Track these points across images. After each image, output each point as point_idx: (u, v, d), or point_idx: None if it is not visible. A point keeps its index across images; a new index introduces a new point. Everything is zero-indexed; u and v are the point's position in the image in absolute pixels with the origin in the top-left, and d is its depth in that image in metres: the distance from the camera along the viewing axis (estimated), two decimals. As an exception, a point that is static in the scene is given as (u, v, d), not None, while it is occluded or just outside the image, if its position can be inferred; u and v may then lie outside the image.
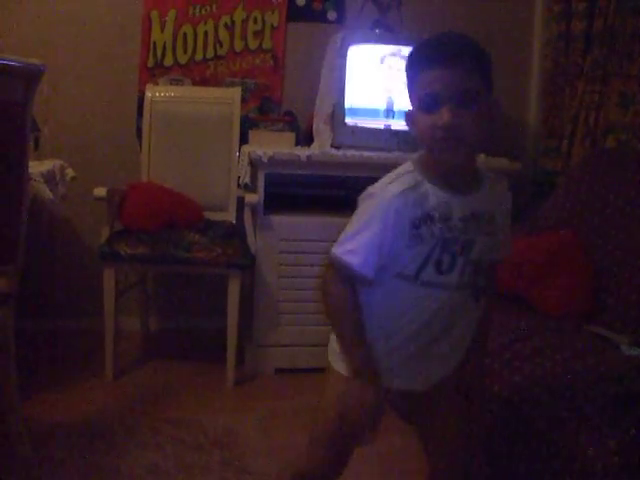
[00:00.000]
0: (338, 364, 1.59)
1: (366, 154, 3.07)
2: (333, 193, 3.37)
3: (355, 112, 3.19)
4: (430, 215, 1.44)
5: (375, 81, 3.20)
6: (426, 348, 1.53)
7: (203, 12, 3.53)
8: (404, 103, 1.69)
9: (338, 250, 1.49)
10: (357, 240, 1.47)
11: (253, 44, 3.57)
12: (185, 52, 3.56)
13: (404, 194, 1.44)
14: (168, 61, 3.55)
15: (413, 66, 1.47)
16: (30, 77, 2.04)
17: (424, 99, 1.42)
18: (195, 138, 3.37)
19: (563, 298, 2.45)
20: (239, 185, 3.24)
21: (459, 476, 1.71)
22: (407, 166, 1.51)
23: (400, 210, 1.43)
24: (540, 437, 1.77)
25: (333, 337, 1.61)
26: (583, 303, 2.48)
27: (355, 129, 3.17)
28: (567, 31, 3.39)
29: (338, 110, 3.14)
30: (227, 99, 3.41)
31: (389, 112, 3.24)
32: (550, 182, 3.34)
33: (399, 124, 3.20)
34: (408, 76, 1.49)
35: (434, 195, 1.45)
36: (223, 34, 3.55)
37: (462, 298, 1.50)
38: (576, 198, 2.78)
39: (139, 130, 3.45)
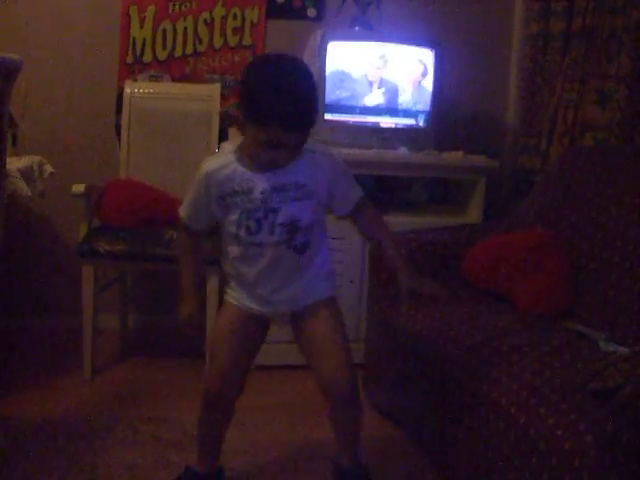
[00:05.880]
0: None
1: (345, 151, 3.06)
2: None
3: (334, 109, 3.18)
4: (235, 190, 1.84)
5: (354, 78, 3.21)
6: (255, 285, 1.95)
7: (182, 8, 3.51)
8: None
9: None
10: (186, 199, 1.97)
11: (233, 40, 3.56)
12: (164, 48, 3.54)
13: (216, 171, 1.87)
14: (147, 57, 3.53)
15: None
16: (7, 72, 2.02)
17: None
18: (174, 134, 3.36)
19: (541, 295, 2.46)
20: (218, 182, 3.23)
21: (344, 380, 1.96)
22: (232, 147, 1.90)
23: (210, 184, 1.87)
24: (519, 433, 1.78)
25: None
26: (561, 300, 2.50)
27: (334, 126, 3.17)
28: (546, 30, 3.41)
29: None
30: (206, 95, 3.40)
31: (368, 109, 3.25)
32: (528, 180, 3.36)
33: (378, 121, 3.25)
34: None
35: (241, 174, 1.84)
36: (202, 30, 3.54)
37: (280, 251, 1.88)
38: (554, 196, 2.79)
39: (118, 126, 3.42)
